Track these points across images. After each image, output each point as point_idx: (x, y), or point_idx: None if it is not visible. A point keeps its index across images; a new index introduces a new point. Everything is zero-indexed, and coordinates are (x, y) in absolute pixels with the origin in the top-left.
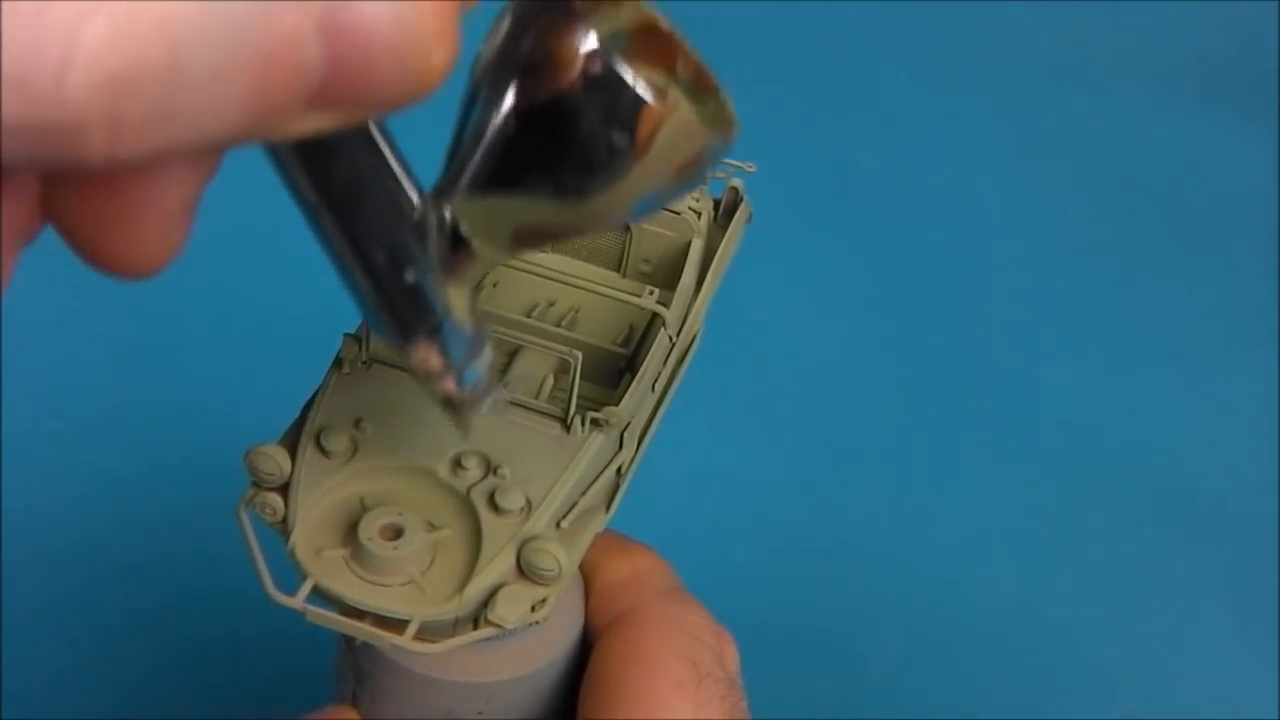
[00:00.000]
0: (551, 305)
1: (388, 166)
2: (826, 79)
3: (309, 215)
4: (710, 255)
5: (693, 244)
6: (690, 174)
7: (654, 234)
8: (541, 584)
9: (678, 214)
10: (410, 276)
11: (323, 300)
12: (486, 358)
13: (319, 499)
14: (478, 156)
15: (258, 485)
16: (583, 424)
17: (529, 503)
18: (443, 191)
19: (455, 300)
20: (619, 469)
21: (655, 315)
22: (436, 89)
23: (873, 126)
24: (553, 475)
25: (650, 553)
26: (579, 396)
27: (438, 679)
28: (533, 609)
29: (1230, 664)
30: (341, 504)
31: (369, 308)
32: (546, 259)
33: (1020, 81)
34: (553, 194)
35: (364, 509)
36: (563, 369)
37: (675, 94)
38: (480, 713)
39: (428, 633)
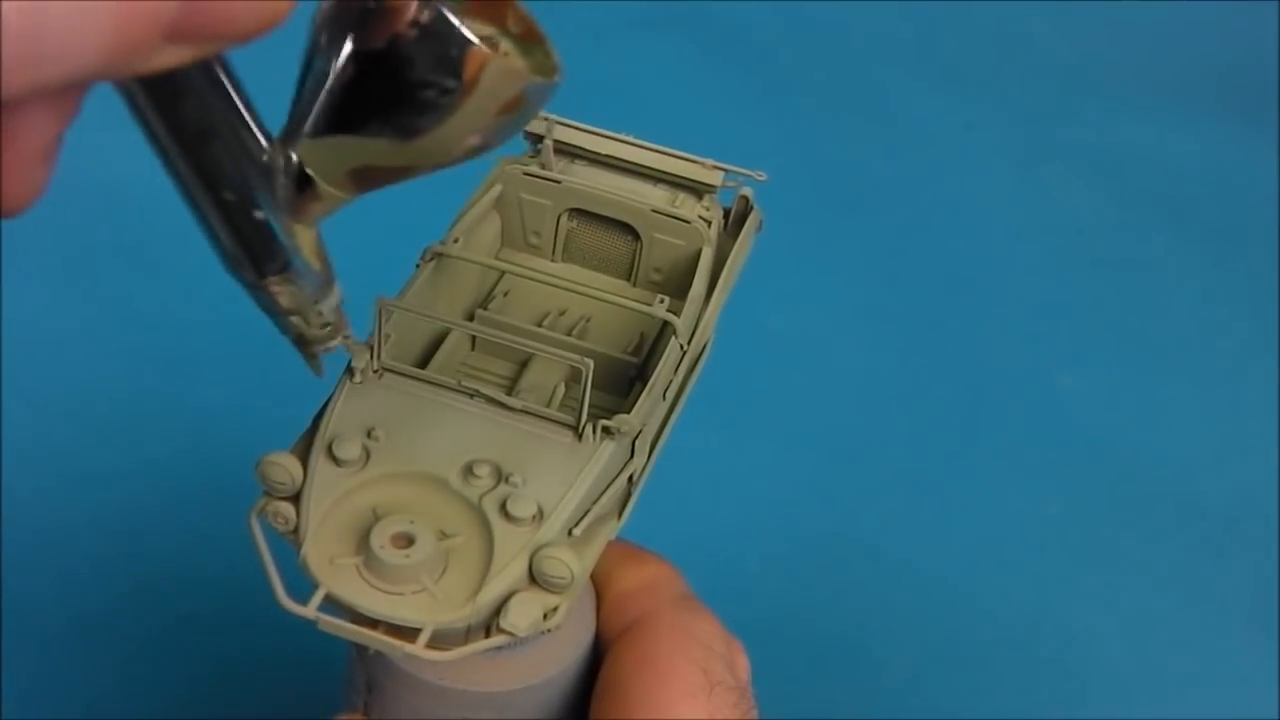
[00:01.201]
0: (562, 314)
1: (236, 110)
2: (841, 88)
3: (163, 157)
4: (721, 264)
5: (703, 252)
6: (514, 115)
7: (665, 243)
8: (554, 592)
9: (688, 223)
10: (259, 215)
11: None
12: (335, 297)
13: (331, 508)
14: (319, 102)
15: (269, 494)
16: (594, 432)
17: (541, 511)
18: (288, 135)
19: (304, 240)
20: (630, 477)
21: (665, 324)
22: (285, 20)
23: (887, 135)
24: (565, 483)
25: (662, 562)
26: (590, 405)
27: (450, 688)
28: (545, 616)
29: (1244, 673)
30: (353, 513)
31: (222, 247)
32: (557, 269)
33: (1035, 91)
34: (388, 134)
35: (376, 518)
36: (574, 377)
37: (504, 44)
38: None
39: (440, 641)
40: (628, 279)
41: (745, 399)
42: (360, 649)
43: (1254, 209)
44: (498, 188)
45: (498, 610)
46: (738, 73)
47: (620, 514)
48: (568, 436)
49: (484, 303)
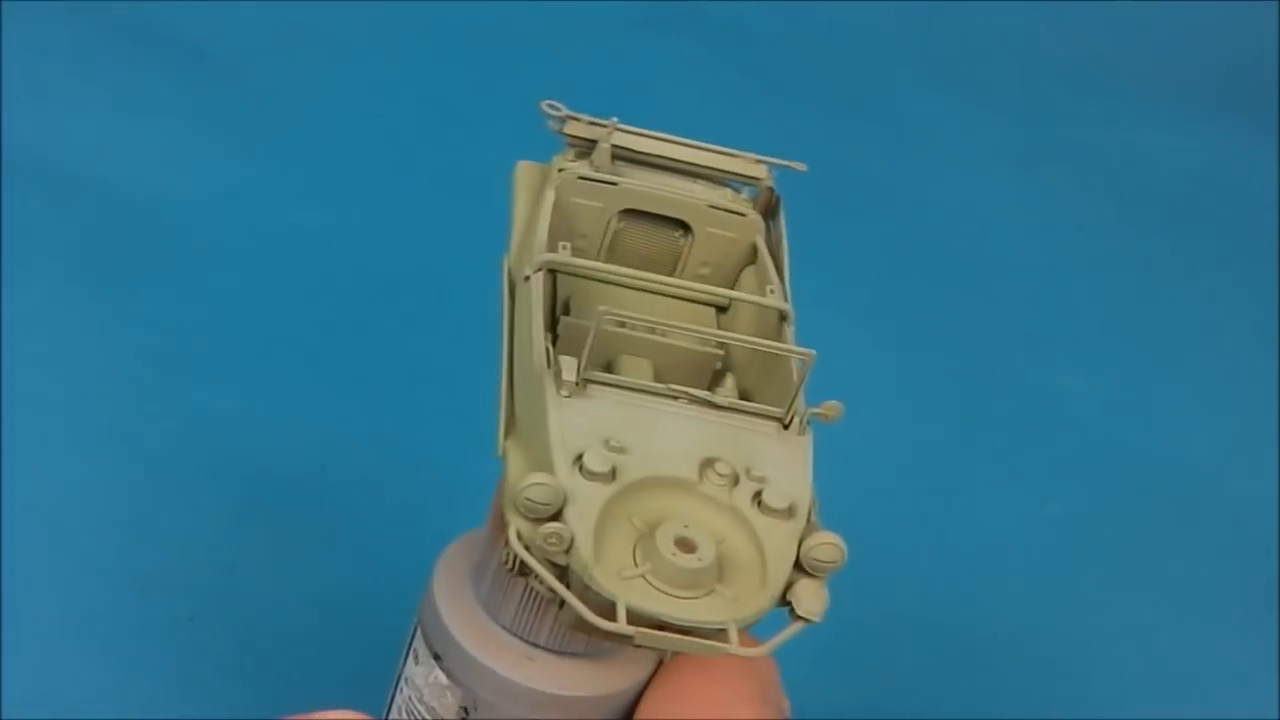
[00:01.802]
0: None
1: None
2: (841, 88)
3: None
4: (773, 253)
5: (758, 244)
6: None
7: (716, 237)
8: (821, 576)
9: (744, 215)
10: None
11: (337, 311)
12: None
13: (600, 522)
14: None
15: (523, 517)
16: (801, 422)
17: (792, 502)
18: None
19: None
20: None
21: (719, 315)
22: None
23: (888, 135)
24: (796, 473)
25: None
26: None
27: (566, 696)
28: (824, 602)
29: (1246, 673)
30: (617, 525)
31: None
32: (610, 269)
33: (1035, 91)
34: None
35: (645, 526)
36: (706, 370)
37: None
38: None
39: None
40: (671, 274)
41: None
42: (451, 673)
43: (1255, 209)
44: (551, 193)
45: (783, 602)
46: (738, 72)
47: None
48: (773, 429)
49: (564, 311)
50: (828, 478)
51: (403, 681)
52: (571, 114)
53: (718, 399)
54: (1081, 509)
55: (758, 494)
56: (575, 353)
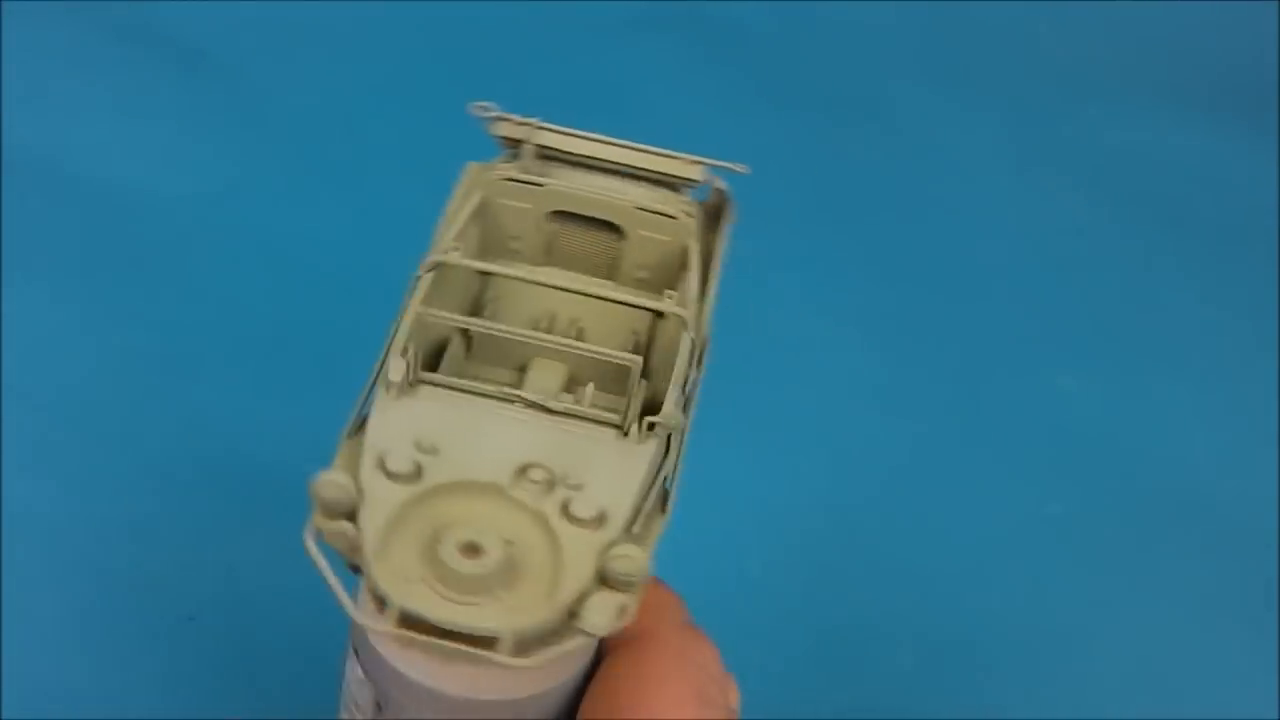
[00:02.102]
0: (554, 319)
1: None
2: (838, 89)
3: None
4: (706, 259)
5: (690, 248)
6: None
7: (650, 240)
8: (623, 589)
9: (674, 218)
10: None
11: (337, 311)
12: None
13: (389, 523)
14: None
15: (324, 513)
16: (640, 430)
17: (602, 511)
18: None
19: None
20: (666, 474)
21: (657, 321)
22: None
23: (885, 136)
24: (620, 482)
25: (668, 588)
26: (602, 407)
27: (473, 699)
28: (620, 615)
29: (1244, 674)
30: (413, 526)
31: None
32: (540, 272)
33: (1033, 91)
34: None
35: (438, 530)
36: (574, 380)
37: None
38: None
39: (517, 648)
40: (611, 279)
41: (742, 401)
42: (365, 668)
43: (1253, 209)
44: (477, 195)
45: (571, 613)
46: (735, 73)
47: (664, 509)
48: (611, 436)
49: (477, 312)
50: (826, 478)
51: (343, 677)
52: (501, 115)
53: (553, 404)
54: (1080, 509)
55: (566, 502)
56: (490, 357)
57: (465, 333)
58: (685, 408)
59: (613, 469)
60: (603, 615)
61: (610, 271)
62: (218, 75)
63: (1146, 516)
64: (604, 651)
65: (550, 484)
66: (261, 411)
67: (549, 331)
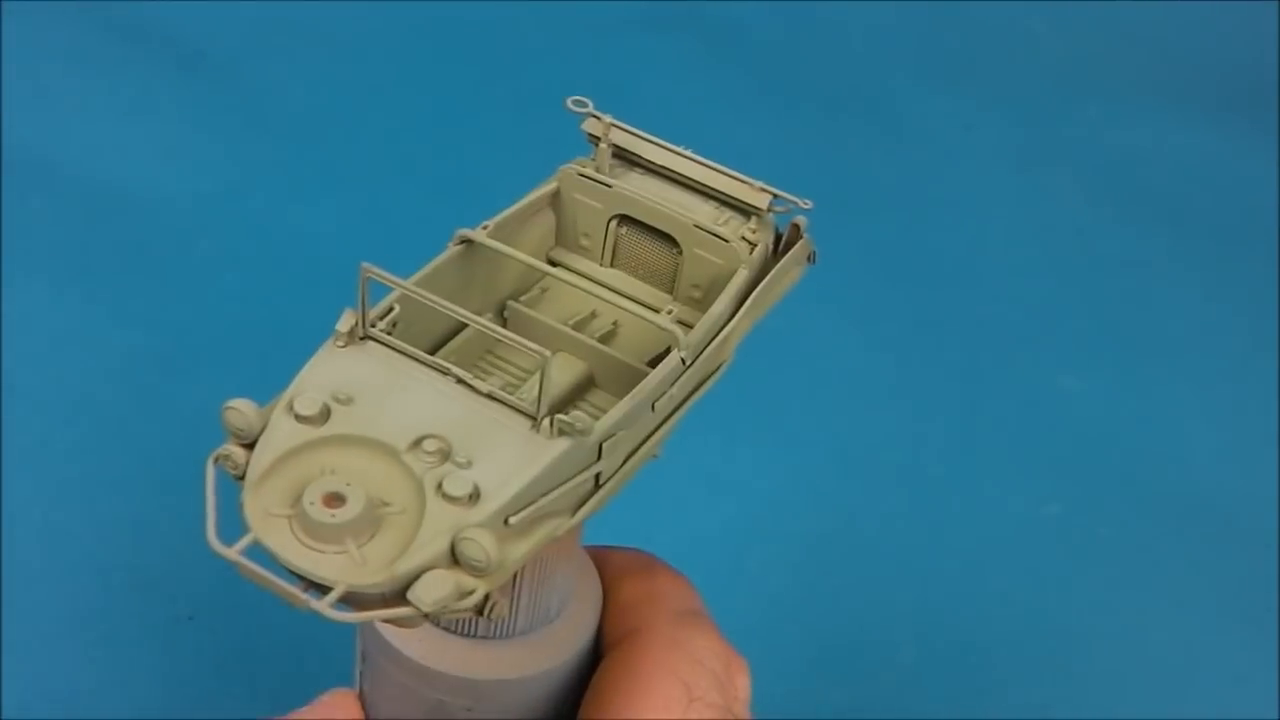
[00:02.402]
0: (594, 317)
1: None
2: (841, 88)
3: None
4: (751, 287)
5: (737, 273)
6: None
7: (704, 259)
8: (474, 574)
9: (726, 241)
10: None
11: (336, 309)
12: None
13: (280, 461)
14: None
15: (231, 438)
16: (551, 426)
17: (478, 492)
18: None
19: None
20: (598, 477)
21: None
22: None
23: (887, 135)
24: (509, 470)
25: (675, 575)
26: (595, 407)
27: (429, 668)
28: (462, 598)
29: (1244, 673)
30: (301, 469)
31: None
32: (604, 274)
33: (1035, 91)
34: None
35: (317, 474)
36: (592, 381)
37: None
38: (469, 710)
39: (355, 604)
40: (670, 292)
41: (744, 398)
42: (360, 633)
43: (1254, 208)
44: (553, 184)
45: (409, 583)
46: (737, 72)
47: (574, 512)
48: (525, 426)
49: (519, 295)
50: (826, 476)
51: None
52: (593, 112)
53: (479, 385)
54: (1080, 508)
55: (446, 476)
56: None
57: (501, 313)
58: (659, 426)
59: (508, 456)
60: (433, 592)
61: (670, 284)
62: (217, 75)
63: (1147, 515)
64: (603, 650)
65: (443, 457)
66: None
67: (580, 329)
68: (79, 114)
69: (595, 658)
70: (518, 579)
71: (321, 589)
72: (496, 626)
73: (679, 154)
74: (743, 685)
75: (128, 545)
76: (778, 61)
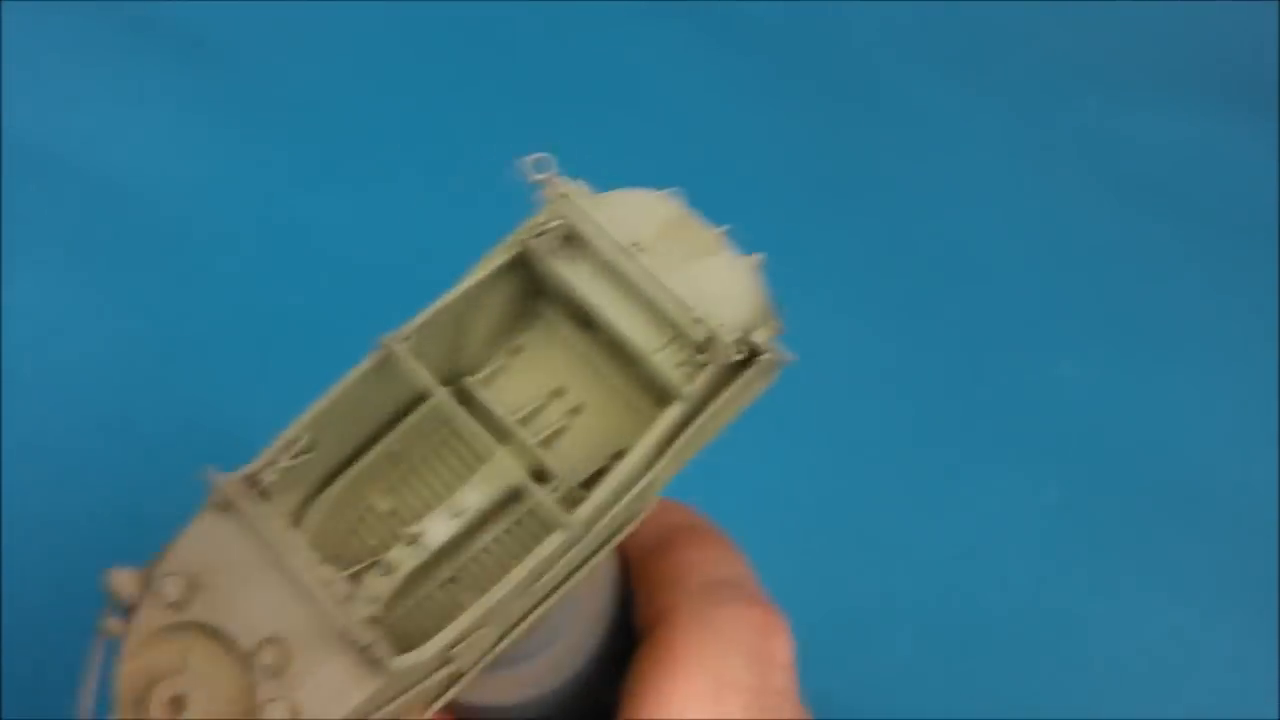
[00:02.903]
0: (559, 396)
1: None
2: (839, 76)
3: None
4: (694, 416)
5: (664, 414)
6: None
7: (648, 379)
8: None
9: (661, 376)
10: None
11: (335, 299)
12: None
13: (146, 642)
14: None
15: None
16: (371, 658)
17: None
18: None
19: None
20: (452, 674)
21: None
22: None
23: (886, 123)
24: (335, 695)
25: (700, 541)
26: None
27: (460, 702)
28: None
29: (1242, 663)
30: (162, 653)
31: None
32: (582, 344)
33: (1034, 80)
34: None
35: (170, 666)
36: (538, 475)
37: None
38: None
39: None
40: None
41: None
42: None
43: (1254, 197)
44: (510, 250)
45: None
46: (735, 60)
47: (430, 705)
48: (346, 651)
49: (484, 364)
50: (822, 464)
51: None
52: (549, 178)
53: (317, 596)
54: (1078, 496)
55: (268, 701)
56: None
57: (460, 393)
58: (547, 598)
59: (335, 680)
60: None
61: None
62: (215, 63)
63: (1145, 504)
64: (636, 634)
65: (277, 671)
66: (259, 399)
67: (531, 418)
68: (77, 102)
69: (623, 636)
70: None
71: None
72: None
73: (626, 255)
74: (780, 648)
75: (124, 536)
76: (776, 49)
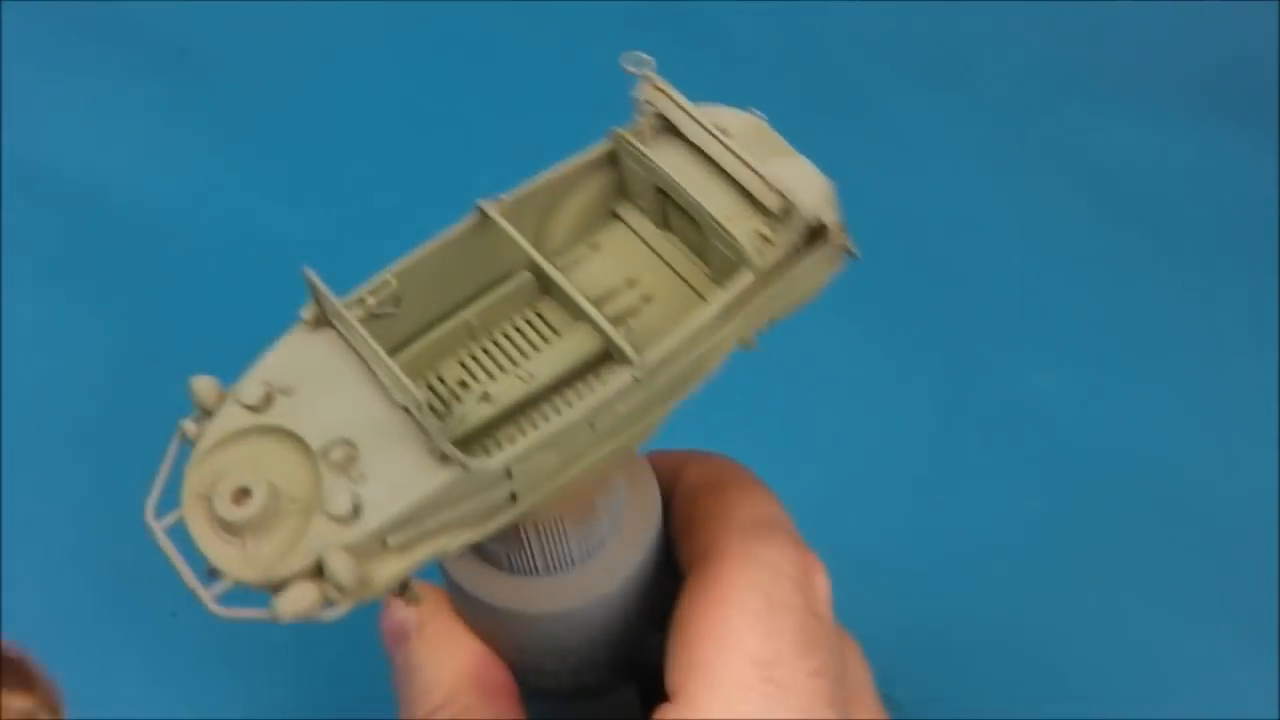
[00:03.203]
0: (632, 286)
1: None
2: (819, 86)
3: None
4: (761, 289)
5: (734, 278)
6: None
7: (719, 251)
8: (338, 590)
9: (735, 239)
10: None
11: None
12: None
13: (219, 443)
14: None
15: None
16: (442, 459)
17: (359, 509)
18: None
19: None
20: (513, 494)
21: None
22: None
23: (865, 133)
24: (396, 491)
25: (740, 485)
26: (604, 383)
27: (495, 606)
28: (326, 609)
29: (1227, 670)
30: (235, 452)
31: None
32: (656, 237)
33: (1014, 89)
34: None
35: (238, 464)
36: (600, 353)
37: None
38: (551, 639)
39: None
40: (710, 269)
41: (723, 397)
42: None
43: (1237, 208)
44: (606, 144)
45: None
46: (715, 70)
47: (482, 524)
48: (429, 449)
49: (569, 248)
50: (803, 473)
51: None
52: (650, 75)
53: (395, 395)
54: (1060, 506)
55: (333, 492)
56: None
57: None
58: (606, 441)
59: (401, 475)
60: (292, 605)
61: (706, 260)
62: (198, 73)
63: (1127, 514)
64: (681, 571)
65: (344, 466)
66: None
67: (605, 301)
68: (59, 112)
69: (665, 565)
70: (557, 522)
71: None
72: (554, 561)
73: (713, 136)
74: (821, 585)
75: (110, 541)
76: (758, 60)
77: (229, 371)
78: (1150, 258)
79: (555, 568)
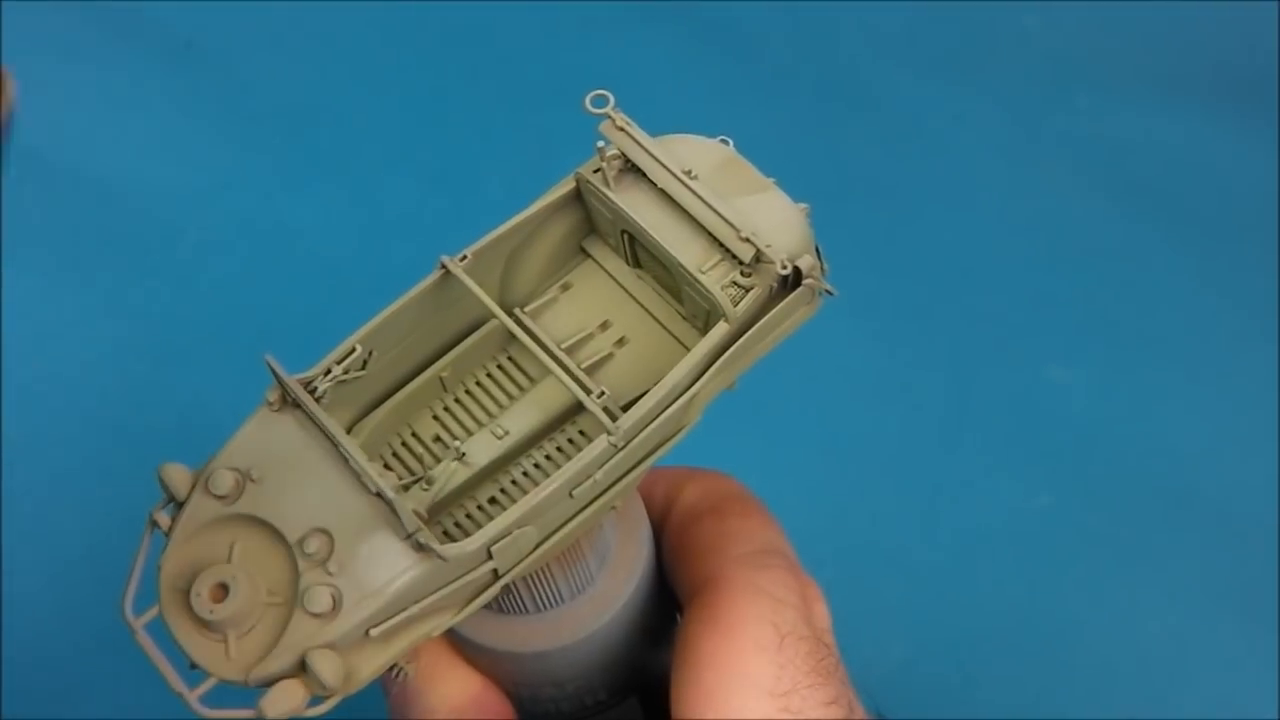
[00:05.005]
0: (604, 329)
1: None
2: (830, 79)
3: None
4: (739, 336)
5: (710, 332)
6: None
7: (693, 298)
8: (318, 690)
9: (709, 292)
10: None
11: (327, 301)
12: None
13: (194, 533)
14: None
15: (165, 493)
16: (419, 544)
17: (338, 605)
18: None
19: None
20: (495, 571)
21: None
22: None
23: (876, 126)
24: (376, 584)
25: (741, 511)
26: (582, 434)
27: (491, 648)
28: (313, 706)
29: (1235, 665)
30: (209, 543)
31: None
32: (626, 276)
33: (1025, 82)
34: None
35: (214, 556)
36: (573, 405)
37: None
38: (545, 674)
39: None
40: (679, 304)
41: (734, 393)
42: None
43: (1247, 200)
44: (570, 184)
45: (265, 687)
46: (727, 64)
47: (465, 607)
48: (401, 535)
49: (536, 296)
50: (814, 468)
51: None
52: (611, 113)
53: (367, 480)
54: (1071, 500)
55: (310, 588)
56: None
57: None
58: (586, 508)
59: (380, 567)
60: (280, 705)
61: (678, 299)
62: (207, 67)
63: (1138, 507)
64: (681, 598)
65: (321, 559)
66: (251, 400)
67: (578, 348)
68: (70, 105)
69: (659, 591)
70: (544, 566)
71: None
72: (543, 600)
73: (678, 179)
74: (820, 613)
75: (118, 536)
76: (768, 53)
77: (240, 364)
78: (1163, 251)
79: (545, 606)
